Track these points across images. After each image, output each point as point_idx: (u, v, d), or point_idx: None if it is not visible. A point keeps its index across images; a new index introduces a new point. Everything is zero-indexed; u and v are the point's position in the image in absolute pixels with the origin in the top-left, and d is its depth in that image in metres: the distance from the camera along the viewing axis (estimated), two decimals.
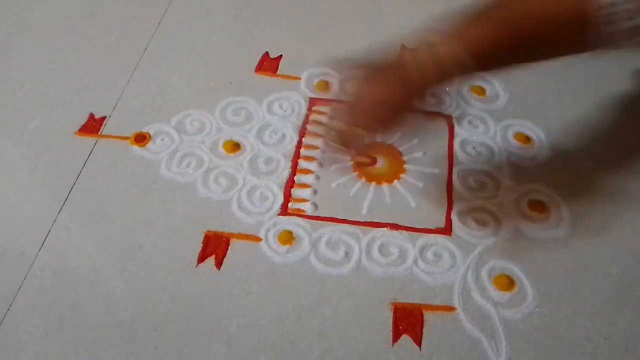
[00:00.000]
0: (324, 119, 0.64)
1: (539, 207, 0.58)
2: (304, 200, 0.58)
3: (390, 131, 0.57)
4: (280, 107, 0.67)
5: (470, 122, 0.66)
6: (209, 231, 0.56)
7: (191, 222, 0.56)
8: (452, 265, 0.54)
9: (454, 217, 0.57)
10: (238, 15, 0.79)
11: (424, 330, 0.50)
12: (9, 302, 0.51)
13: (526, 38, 0.47)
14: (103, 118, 0.66)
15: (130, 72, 0.71)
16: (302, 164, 0.62)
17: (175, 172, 0.60)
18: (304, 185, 0.60)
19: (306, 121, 0.66)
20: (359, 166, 0.61)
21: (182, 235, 0.55)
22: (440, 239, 0.56)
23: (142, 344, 0.48)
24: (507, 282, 0.52)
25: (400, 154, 0.63)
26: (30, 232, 0.55)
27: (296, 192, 0.59)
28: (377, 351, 0.48)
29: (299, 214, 0.57)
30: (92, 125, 0.65)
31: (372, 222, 0.57)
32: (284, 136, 0.64)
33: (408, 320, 0.50)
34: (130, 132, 0.64)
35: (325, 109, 0.67)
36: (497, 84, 0.70)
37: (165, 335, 0.49)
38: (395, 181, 0.60)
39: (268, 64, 0.72)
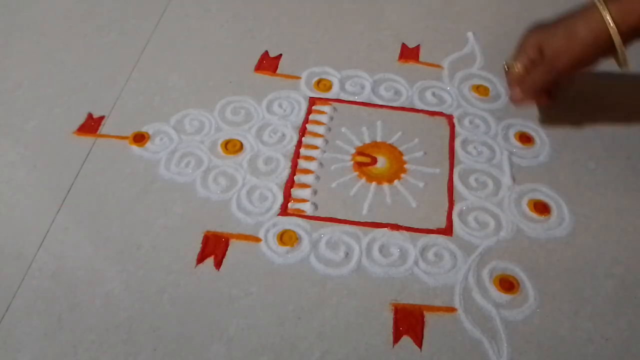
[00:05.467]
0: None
1: (540, 207, 0.57)
2: (303, 201, 0.58)
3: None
4: (280, 106, 0.67)
5: (471, 122, 0.66)
6: (208, 231, 0.55)
7: (190, 223, 0.56)
8: (453, 265, 0.53)
9: (454, 217, 0.57)
10: (237, 14, 0.79)
11: (424, 331, 0.49)
12: (7, 303, 0.50)
13: None
14: (101, 118, 0.65)
15: (129, 72, 0.70)
16: (302, 163, 0.61)
17: (174, 172, 0.60)
18: (304, 185, 0.59)
19: (306, 120, 0.65)
20: (359, 166, 0.61)
21: (181, 235, 0.55)
22: (441, 239, 0.55)
23: (141, 345, 0.48)
24: (509, 283, 0.52)
25: (401, 153, 0.63)
26: (28, 232, 0.55)
27: (296, 192, 0.59)
28: (377, 352, 0.48)
29: (299, 214, 0.57)
30: (91, 125, 0.64)
31: (373, 222, 0.56)
32: (283, 136, 0.64)
33: (409, 321, 0.50)
34: (129, 132, 0.64)
35: (325, 108, 0.67)
36: (499, 83, 0.70)
37: (164, 336, 0.49)
38: (396, 181, 0.60)
39: (268, 63, 0.72)
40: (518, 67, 0.61)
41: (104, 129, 0.64)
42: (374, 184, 0.60)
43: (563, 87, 0.63)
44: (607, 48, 0.56)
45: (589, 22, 0.55)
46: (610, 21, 0.54)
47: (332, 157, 0.62)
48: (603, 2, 0.55)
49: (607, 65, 0.73)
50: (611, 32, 0.54)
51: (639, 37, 0.57)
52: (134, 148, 0.62)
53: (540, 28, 0.59)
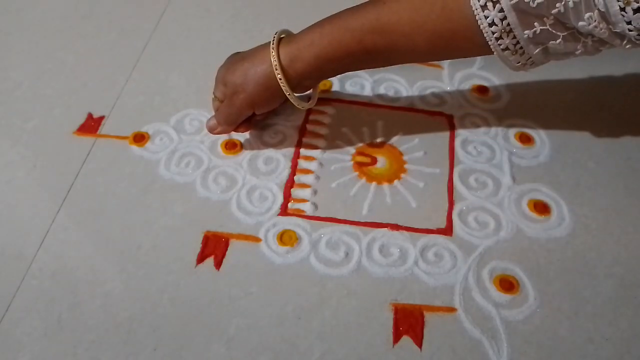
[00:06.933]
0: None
1: (540, 207, 0.57)
2: (303, 201, 0.58)
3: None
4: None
5: (471, 122, 0.66)
6: (208, 231, 0.55)
7: (190, 223, 0.56)
8: (453, 265, 0.53)
9: (454, 217, 0.57)
10: (237, 14, 0.79)
11: (424, 331, 0.49)
12: (7, 303, 0.50)
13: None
14: (101, 117, 0.65)
15: (129, 72, 0.71)
16: (302, 163, 0.61)
17: (174, 172, 0.60)
18: (304, 185, 0.59)
19: (306, 120, 0.65)
20: (359, 166, 0.61)
21: (181, 235, 0.55)
22: (441, 239, 0.55)
23: (141, 345, 0.48)
24: (509, 283, 0.52)
25: (401, 153, 0.63)
26: (28, 232, 0.55)
27: (296, 192, 0.59)
28: (377, 352, 0.48)
29: (299, 214, 0.57)
30: (91, 125, 0.64)
31: (373, 222, 0.56)
32: (283, 136, 0.64)
33: (409, 321, 0.50)
34: (129, 132, 0.64)
35: (325, 108, 0.67)
36: (499, 83, 0.70)
37: (164, 336, 0.49)
38: (396, 181, 0.60)
39: None
40: (214, 99, 0.61)
41: (104, 129, 0.64)
42: (374, 184, 0.60)
43: (260, 118, 0.62)
44: (279, 91, 0.55)
45: (263, 62, 0.54)
46: (277, 66, 0.53)
47: (332, 157, 0.62)
48: (277, 42, 0.54)
49: (607, 66, 0.73)
50: (277, 77, 0.53)
51: (307, 85, 0.57)
52: (134, 148, 0.62)
53: (229, 62, 0.58)
